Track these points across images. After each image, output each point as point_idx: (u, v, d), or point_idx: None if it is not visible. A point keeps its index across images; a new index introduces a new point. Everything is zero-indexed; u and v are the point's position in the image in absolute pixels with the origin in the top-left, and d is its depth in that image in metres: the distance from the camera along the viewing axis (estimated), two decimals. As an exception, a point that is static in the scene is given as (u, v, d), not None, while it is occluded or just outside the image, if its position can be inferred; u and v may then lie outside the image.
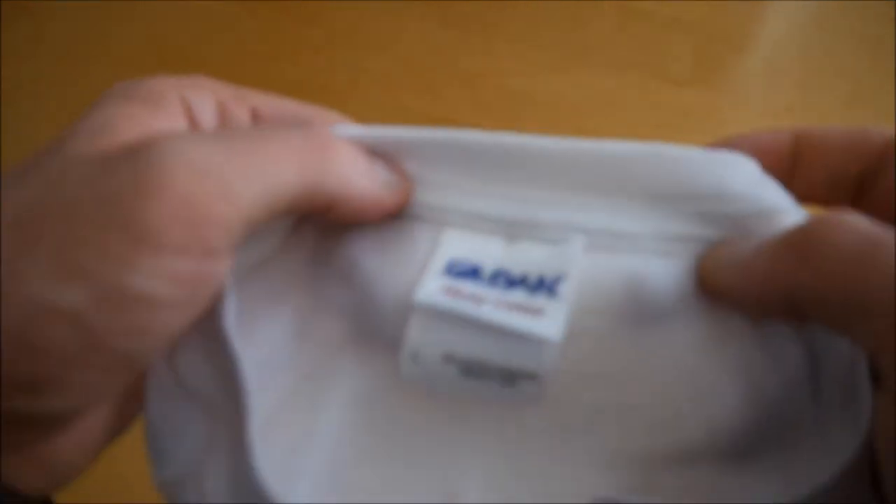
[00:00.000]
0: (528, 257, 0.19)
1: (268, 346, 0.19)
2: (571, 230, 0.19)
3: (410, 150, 0.19)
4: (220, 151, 0.16)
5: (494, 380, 0.18)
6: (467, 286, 0.18)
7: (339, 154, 0.18)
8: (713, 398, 0.18)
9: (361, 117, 0.20)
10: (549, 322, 0.17)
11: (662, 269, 0.18)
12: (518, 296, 0.18)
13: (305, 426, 0.19)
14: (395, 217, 0.19)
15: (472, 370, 0.18)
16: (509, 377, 0.18)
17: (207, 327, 0.17)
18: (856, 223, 0.15)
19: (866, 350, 0.15)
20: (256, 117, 0.19)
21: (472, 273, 0.18)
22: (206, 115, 0.18)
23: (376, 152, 0.19)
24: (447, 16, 0.67)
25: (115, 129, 0.16)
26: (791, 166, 0.19)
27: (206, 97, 0.18)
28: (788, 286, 0.15)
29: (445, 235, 0.19)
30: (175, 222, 0.15)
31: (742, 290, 0.17)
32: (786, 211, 0.18)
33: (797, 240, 0.16)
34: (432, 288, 0.18)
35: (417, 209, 0.19)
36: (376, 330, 0.19)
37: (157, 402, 0.18)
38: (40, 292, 0.14)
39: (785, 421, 0.18)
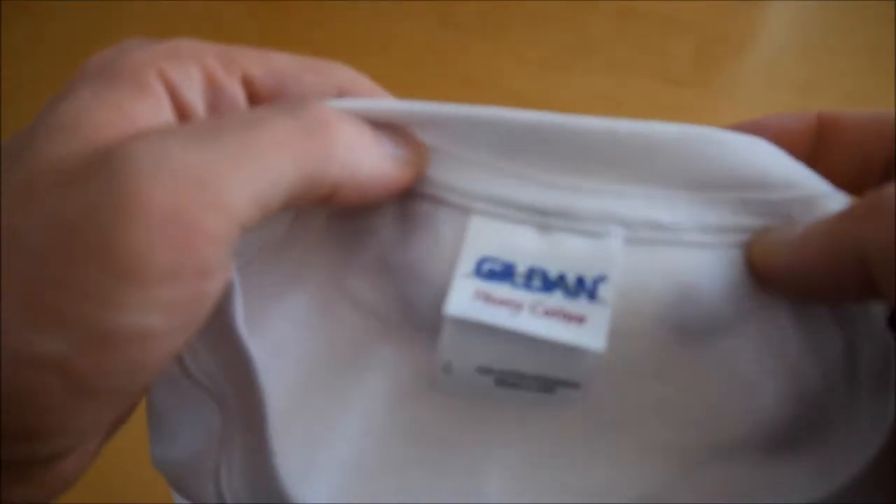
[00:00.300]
0: (564, 253, 0.17)
1: (279, 336, 0.18)
2: (609, 222, 0.17)
3: (427, 122, 0.17)
4: (204, 151, 0.14)
5: (532, 388, 0.17)
6: (501, 290, 0.17)
7: (341, 135, 0.15)
8: (755, 393, 0.17)
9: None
10: (591, 331, 0.16)
11: (707, 263, 0.17)
12: (556, 300, 0.17)
13: (326, 423, 0.18)
14: (414, 198, 0.18)
15: (509, 380, 0.17)
16: (548, 385, 0.17)
17: (213, 322, 0.16)
18: None
19: None
20: (250, 87, 0.17)
21: (506, 273, 0.17)
22: (193, 92, 0.16)
23: (381, 124, 0.17)
24: (447, 16, 0.67)
25: (90, 122, 0.14)
26: (813, 150, 0.18)
27: (191, 70, 0.16)
28: (853, 246, 0.15)
29: (473, 226, 0.17)
30: (161, 245, 0.13)
31: (799, 265, 0.16)
32: (829, 196, 0.17)
33: (866, 201, 0.15)
34: (464, 296, 0.17)
35: (440, 191, 0.17)
36: (403, 326, 0.18)
37: (163, 391, 0.17)
38: (16, 343, 0.12)
39: (823, 413, 0.17)
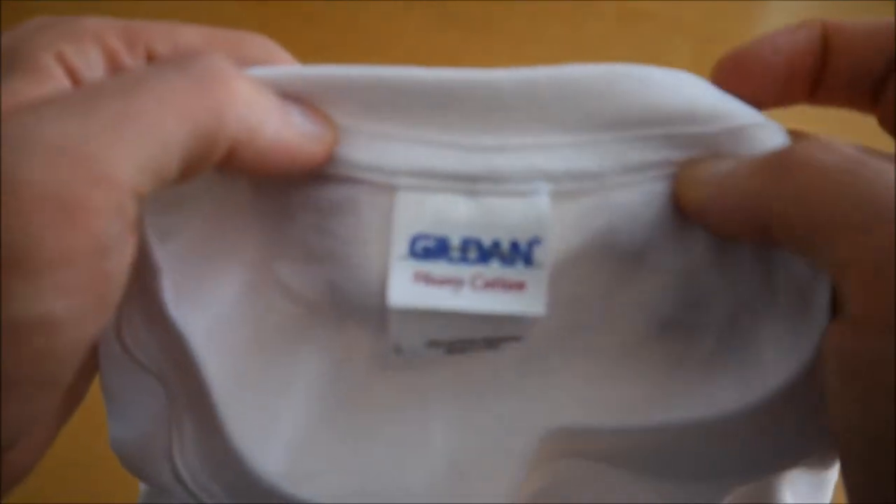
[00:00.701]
0: (495, 219, 0.17)
1: (214, 314, 0.18)
2: (536, 178, 0.17)
3: (335, 94, 0.17)
4: (81, 121, 0.13)
5: (479, 348, 0.18)
6: (439, 267, 0.17)
7: (237, 89, 0.14)
8: (676, 326, 0.19)
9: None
10: (531, 297, 0.17)
11: (630, 203, 0.17)
12: (494, 270, 0.17)
13: (271, 396, 0.18)
14: (330, 182, 0.17)
15: (458, 347, 0.18)
16: (493, 343, 0.18)
17: (144, 300, 0.16)
18: (841, 146, 0.14)
19: (830, 274, 0.15)
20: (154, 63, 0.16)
21: (441, 249, 0.17)
22: (93, 74, 0.15)
23: (290, 97, 0.16)
24: (447, 16, 0.67)
25: None
26: (820, 63, 0.18)
27: (90, 49, 0.15)
28: (761, 203, 0.15)
29: (400, 204, 0.17)
30: (44, 228, 0.12)
31: (716, 207, 0.16)
32: (759, 126, 0.17)
33: (776, 158, 0.15)
34: (404, 281, 0.16)
35: (357, 171, 0.17)
36: (333, 313, 0.18)
37: (110, 372, 0.17)
38: None
39: (746, 334, 0.18)
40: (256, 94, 0.15)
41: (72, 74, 0.15)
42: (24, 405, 0.13)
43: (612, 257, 0.18)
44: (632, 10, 0.68)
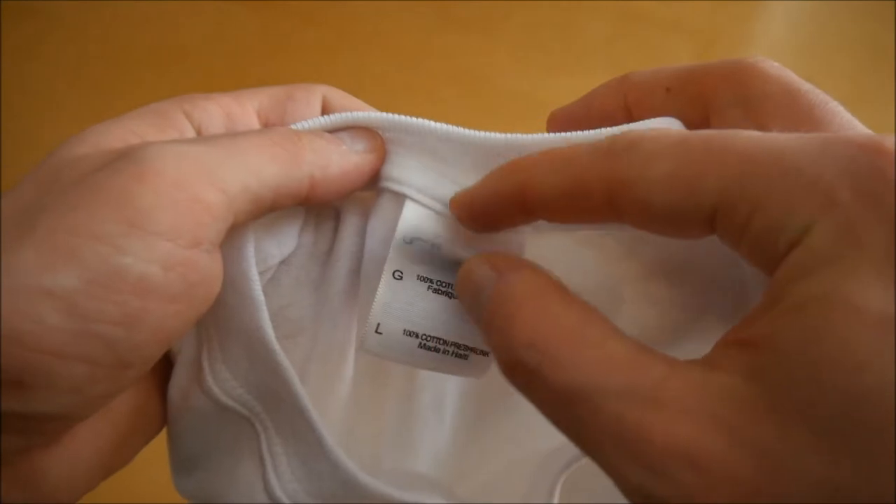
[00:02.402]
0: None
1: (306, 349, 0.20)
2: None
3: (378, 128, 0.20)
4: (202, 146, 0.17)
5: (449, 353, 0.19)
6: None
7: (305, 144, 0.18)
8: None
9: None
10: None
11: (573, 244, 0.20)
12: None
13: (329, 394, 0.21)
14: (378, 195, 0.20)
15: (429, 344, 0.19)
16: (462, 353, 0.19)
17: (238, 339, 0.18)
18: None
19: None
20: (261, 115, 0.20)
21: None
22: (216, 126, 0.19)
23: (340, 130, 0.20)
24: (447, 16, 0.67)
25: (111, 136, 0.17)
26: (525, 212, 0.18)
27: (209, 108, 0.19)
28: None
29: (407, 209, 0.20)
30: (166, 205, 0.15)
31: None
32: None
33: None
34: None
35: (383, 182, 0.20)
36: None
37: (187, 423, 0.19)
38: (31, 278, 0.14)
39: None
40: (318, 141, 0.19)
41: (196, 127, 0.19)
42: (89, 369, 0.15)
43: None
44: (632, 10, 0.68)
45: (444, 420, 0.23)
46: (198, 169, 0.16)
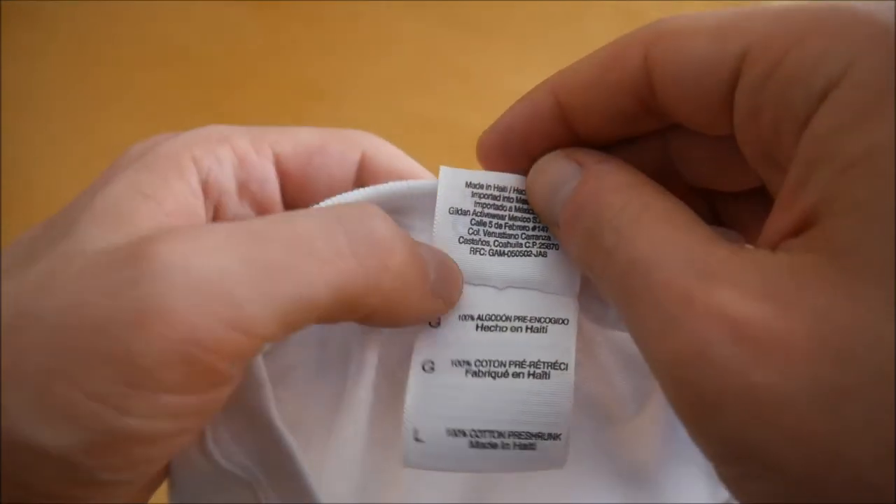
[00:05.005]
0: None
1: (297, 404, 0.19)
2: None
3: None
4: (234, 262, 0.13)
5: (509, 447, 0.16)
6: None
7: (392, 263, 0.14)
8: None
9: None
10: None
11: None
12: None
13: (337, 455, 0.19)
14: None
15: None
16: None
17: (239, 412, 0.17)
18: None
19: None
20: (279, 164, 0.17)
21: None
22: (225, 175, 0.17)
23: (432, 250, 0.17)
24: (447, 16, 0.67)
25: (127, 211, 0.15)
26: (563, 125, 0.17)
27: (222, 153, 0.17)
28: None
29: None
30: (173, 363, 0.13)
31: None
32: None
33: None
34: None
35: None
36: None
37: (187, 482, 0.18)
38: (23, 430, 0.13)
39: None
40: (407, 268, 0.15)
41: (205, 175, 0.16)
42: (101, 499, 0.14)
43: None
44: (630, 11, 0.68)
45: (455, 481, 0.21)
46: (219, 308, 0.13)
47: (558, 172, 0.15)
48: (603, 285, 0.14)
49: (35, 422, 0.13)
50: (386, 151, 0.19)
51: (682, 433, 0.12)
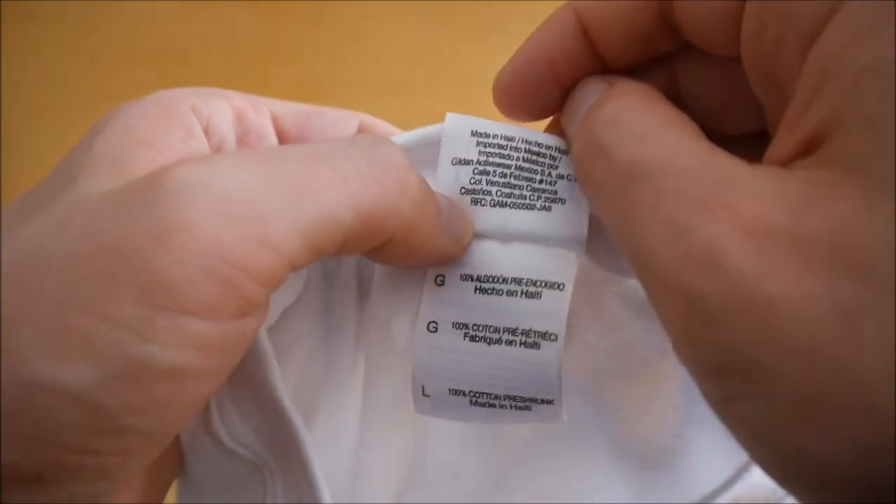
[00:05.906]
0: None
1: (298, 375, 0.19)
2: None
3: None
4: (257, 180, 0.12)
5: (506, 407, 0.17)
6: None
7: (409, 188, 0.14)
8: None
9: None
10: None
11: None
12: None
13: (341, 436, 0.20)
14: None
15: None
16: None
17: (246, 389, 0.17)
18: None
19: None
20: (277, 124, 0.17)
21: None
22: (224, 124, 0.16)
23: (440, 195, 0.17)
24: (447, 16, 0.67)
25: (127, 157, 0.14)
26: (587, 46, 0.16)
27: (220, 105, 0.16)
28: None
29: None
30: (203, 278, 0.12)
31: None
32: None
33: None
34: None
35: None
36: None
37: (197, 464, 0.18)
38: (38, 370, 0.12)
39: None
40: (423, 195, 0.15)
41: (204, 123, 0.16)
42: (117, 458, 0.13)
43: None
44: (632, 10, 0.68)
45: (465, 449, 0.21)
46: (247, 225, 0.12)
47: (589, 88, 0.15)
48: (593, 188, 0.13)
49: (51, 359, 0.12)
50: (385, 127, 0.19)
51: (699, 395, 0.12)
